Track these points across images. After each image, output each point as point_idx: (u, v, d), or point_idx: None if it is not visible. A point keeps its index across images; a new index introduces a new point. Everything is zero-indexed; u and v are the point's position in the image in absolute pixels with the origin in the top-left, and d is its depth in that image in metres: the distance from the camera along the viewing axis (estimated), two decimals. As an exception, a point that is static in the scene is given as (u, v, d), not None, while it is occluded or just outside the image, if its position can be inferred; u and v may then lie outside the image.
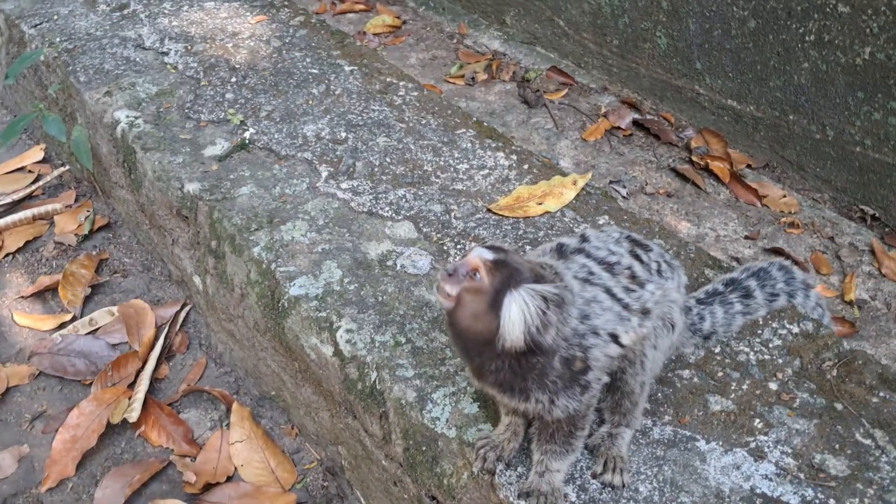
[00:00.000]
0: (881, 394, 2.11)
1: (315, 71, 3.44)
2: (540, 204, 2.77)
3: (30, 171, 3.83)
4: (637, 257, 1.94)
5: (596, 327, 1.82)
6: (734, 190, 3.96)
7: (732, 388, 2.13)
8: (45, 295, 3.28)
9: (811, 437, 2.01)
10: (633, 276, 1.90)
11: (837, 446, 1.99)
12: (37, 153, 3.90)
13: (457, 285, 1.74)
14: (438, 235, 2.66)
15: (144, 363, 2.98)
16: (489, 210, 2.76)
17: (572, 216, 2.74)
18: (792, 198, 3.84)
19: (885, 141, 3.46)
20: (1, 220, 3.51)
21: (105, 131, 3.22)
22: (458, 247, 2.62)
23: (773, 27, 3.67)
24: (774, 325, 2.31)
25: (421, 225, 2.70)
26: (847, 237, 3.64)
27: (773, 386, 2.14)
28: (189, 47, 3.57)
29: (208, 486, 2.66)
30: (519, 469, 1.97)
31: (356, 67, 3.48)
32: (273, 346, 2.65)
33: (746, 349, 2.25)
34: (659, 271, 1.96)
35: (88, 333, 3.11)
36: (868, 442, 1.99)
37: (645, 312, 1.88)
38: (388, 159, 2.97)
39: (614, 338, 1.83)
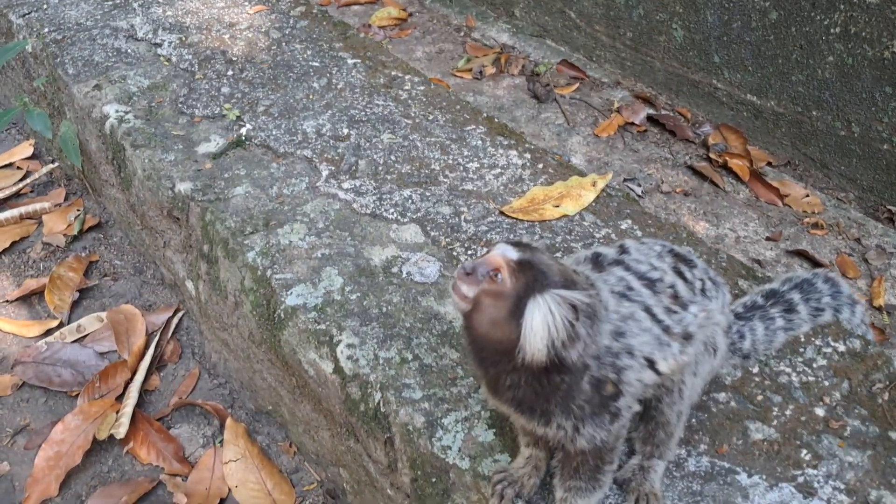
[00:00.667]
0: (941, 421, 1.86)
1: (316, 64, 3.18)
2: (557, 206, 2.52)
3: (18, 168, 3.58)
4: (681, 274, 1.68)
5: (632, 347, 1.56)
6: (754, 189, 3.73)
7: (774, 413, 1.88)
8: (31, 299, 3.04)
9: (865, 470, 1.76)
10: (675, 297, 1.64)
11: (894, 481, 1.74)
12: (26, 149, 3.65)
13: (475, 286, 1.49)
14: (447, 240, 2.41)
15: (134, 374, 2.73)
16: (502, 212, 2.51)
17: (592, 220, 2.48)
18: (815, 197, 3.61)
19: (914, 138, 3.23)
20: (-13, 220, 3.27)
21: (94, 127, 2.97)
22: (469, 252, 2.37)
23: (797, 19, 3.45)
24: (818, 342, 2.06)
25: (429, 228, 2.45)
26: (874, 238, 3.42)
27: (819, 412, 1.89)
28: (184, 38, 3.31)
29: (199, 509, 2.42)
30: (540, 508, 1.72)
31: (360, 60, 3.22)
32: (269, 359, 2.40)
33: (788, 369, 2.00)
34: (703, 290, 1.70)
35: (76, 341, 2.86)
36: (930, 477, 1.75)
37: (687, 337, 1.62)
38: (392, 157, 2.71)
39: (651, 363, 1.57)
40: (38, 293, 3.03)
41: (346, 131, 2.82)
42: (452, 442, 1.86)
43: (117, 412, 2.61)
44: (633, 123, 4.07)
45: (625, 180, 3.43)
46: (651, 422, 1.73)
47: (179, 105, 2.94)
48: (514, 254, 1.51)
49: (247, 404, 2.69)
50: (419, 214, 2.49)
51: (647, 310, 1.60)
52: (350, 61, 3.20)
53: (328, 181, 2.61)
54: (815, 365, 2.00)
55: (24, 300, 3.04)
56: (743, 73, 3.78)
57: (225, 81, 3.06)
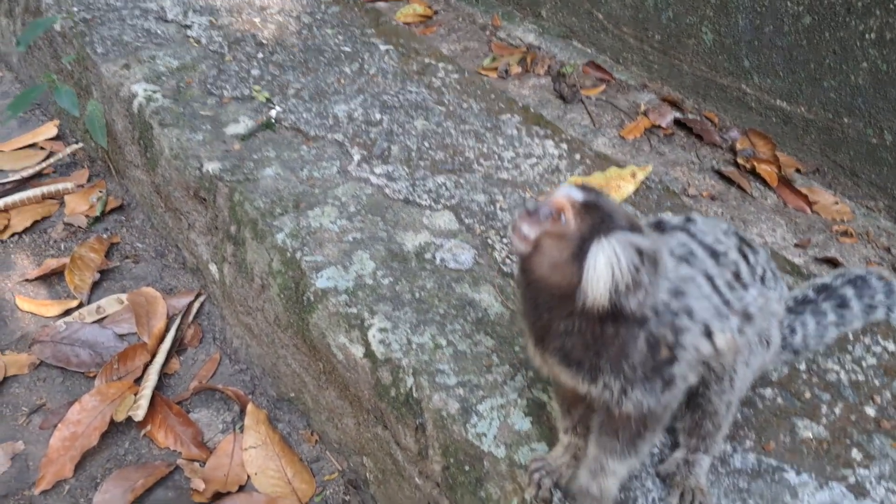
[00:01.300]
0: None
1: (347, 49, 3.12)
2: (594, 197, 2.45)
3: (41, 148, 3.52)
4: (744, 256, 1.61)
5: (691, 309, 1.48)
6: (782, 195, 3.67)
7: (823, 411, 1.81)
8: (51, 279, 2.97)
9: (918, 472, 1.69)
10: (737, 275, 1.57)
11: (949, 484, 1.67)
12: (50, 129, 3.59)
13: (537, 227, 1.42)
14: (482, 227, 2.34)
15: (153, 356, 2.67)
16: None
17: (632, 212, 2.41)
18: (844, 205, 3.55)
19: (948, 147, 3.17)
20: (8, 198, 3.21)
21: (121, 106, 2.92)
22: (504, 240, 2.30)
23: (830, 24, 3.39)
24: (867, 340, 1.99)
25: (463, 216, 2.38)
26: (904, 248, 3.35)
27: (870, 411, 1.82)
28: (214, 21, 3.27)
29: (218, 496, 2.35)
30: (581, 498, 1.65)
31: (391, 47, 3.16)
32: (295, 344, 2.34)
33: (836, 367, 1.93)
34: (763, 278, 1.63)
35: (95, 322, 2.80)
36: None
37: (747, 317, 1.55)
38: (426, 144, 2.65)
39: (708, 332, 1.50)
40: (59, 273, 2.97)
41: (378, 116, 2.76)
42: (488, 429, 1.79)
43: (135, 394, 2.55)
44: (659, 126, 4.01)
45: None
46: (698, 411, 1.65)
47: (208, 86, 2.89)
48: (579, 195, 1.44)
49: (268, 391, 2.62)
50: (453, 201, 2.43)
51: (709, 278, 1.53)
52: (382, 47, 3.15)
53: (360, 165, 2.55)
54: (864, 363, 1.93)
55: (43, 279, 2.98)
56: (773, 78, 3.72)
57: (255, 64, 3.01)
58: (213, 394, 2.64)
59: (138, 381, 2.62)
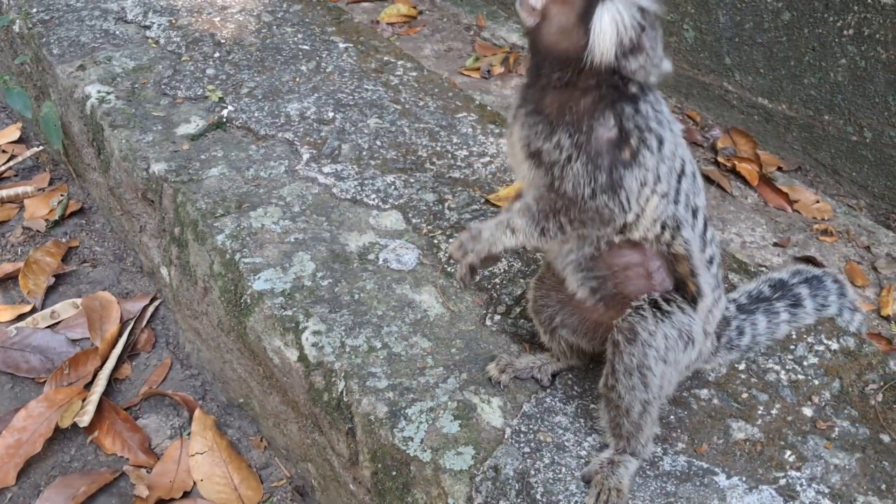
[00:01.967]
0: (939, 426, 1.76)
1: (306, 47, 3.12)
2: (544, 195, 2.43)
3: (3, 151, 3.54)
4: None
5: (663, 138, 1.61)
6: (763, 194, 3.64)
7: (759, 412, 1.79)
8: (5, 283, 2.98)
9: (852, 474, 1.66)
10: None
11: (884, 486, 1.64)
12: (13, 132, 3.61)
13: None
14: (429, 227, 2.33)
15: (104, 362, 2.67)
16: (487, 200, 2.43)
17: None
18: (825, 203, 3.52)
19: (929, 145, 3.14)
20: (-32, 203, 3.22)
21: (76, 107, 2.92)
22: (450, 240, 2.28)
23: (809, 20, 3.37)
24: (810, 339, 1.96)
25: (410, 215, 2.37)
26: (884, 247, 3.34)
27: (807, 412, 1.79)
28: (174, 21, 3.27)
29: (162, 502, 2.33)
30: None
31: (351, 45, 3.15)
32: (238, 348, 2.33)
33: (777, 367, 1.90)
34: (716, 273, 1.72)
35: (49, 327, 2.81)
36: (924, 484, 1.64)
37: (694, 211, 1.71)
38: (378, 143, 2.64)
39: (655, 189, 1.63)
40: (14, 277, 2.97)
41: (331, 115, 2.75)
42: (415, 433, 1.78)
43: (83, 400, 2.54)
44: (639, 125, 3.97)
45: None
46: (611, 407, 1.65)
47: (163, 87, 2.89)
48: None
49: (219, 396, 2.62)
50: (401, 201, 2.42)
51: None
52: (342, 45, 3.14)
53: (308, 165, 2.54)
54: (805, 363, 1.90)
55: (-1, 284, 2.99)
56: (754, 76, 3.70)
57: (211, 63, 3.01)
58: (163, 399, 2.64)
59: (88, 386, 2.62)
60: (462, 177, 2.52)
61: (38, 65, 3.15)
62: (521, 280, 2.16)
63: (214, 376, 2.62)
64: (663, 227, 1.66)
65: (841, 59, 3.33)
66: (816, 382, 1.85)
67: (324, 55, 3.07)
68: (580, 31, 1.49)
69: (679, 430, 1.76)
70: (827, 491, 1.62)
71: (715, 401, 1.82)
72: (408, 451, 1.76)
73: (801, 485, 1.63)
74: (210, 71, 2.96)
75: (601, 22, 1.47)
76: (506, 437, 1.75)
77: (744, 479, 1.65)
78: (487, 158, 2.61)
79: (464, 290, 2.12)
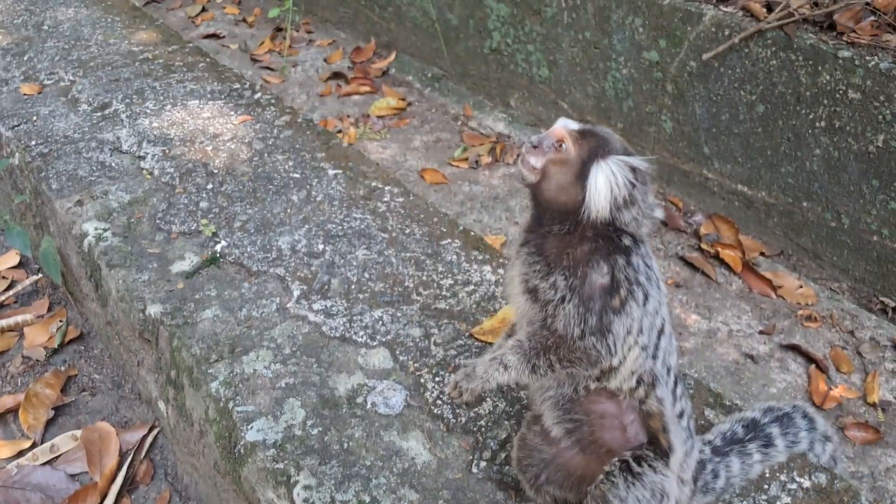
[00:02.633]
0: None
1: (297, 175, 3.18)
2: (527, 328, 2.47)
3: (3, 278, 3.59)
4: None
5: (649, 294, 1.70)
6: (747, 280, 3.68)
7: (739, 564, 1.80)
8: (6, 417, 3.01)
9: None
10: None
11: None
12: (12, 258, 3.67)
13: (542, 157, 1.67)
14: (416, 365, 2.36)
15: (103, 498, 2.68)
16: (471, 335, 2.46)
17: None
18: (809, 288, 3.56)
19: (902, 231, 3.18)
20: (-31, 333, 3.26)
21: (74, 243, 2.98)
22: (437, 379, 2.32)
23: (783, 112, 3.44)
24: (783, 478, 1.99)
25: (398, 352, 2.40)
26: (868, 331, 3.37)
27: (786, 562, 1.80)
28: (167, 151, 3.34)
29: None
30: None
31: (341, 171, 3.22)
32: (234, 491, 2.34)
33: (754, 512, 1.91)
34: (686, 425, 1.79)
35: (48, 462, 2.82)
36: None
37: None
38: (366, 275, 2.69)
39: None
40: (14, 411, 3.00)
41: (321, 247, 2.80)
42: None
43: (85, 540, 2.55)
44: (625, 214, 4.02)
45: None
46: None
47: (157, 221, 2.95)
48: (574, 125, 1.69)
49: (217, 531, 2.62)
50: (389, 337, 2.46)
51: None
52: (331, 172, 3.21)
53: (299, 302, 2.58)
54: (778, 503, 1.91)
55: None
56: (733, 164, 3.77)
57: (204, 195, 3.07)
58: (163, 535, 2.64)
59: (89, 524, 2.63)
60: (447, 307, 2.56)
61: (38, 198, 3.22)
62: (506, 422, 2.19)
63: (212, 511, 2.64)
64: (639, 382, 1.72)
65: (815, 150, 3.39)
66: (793, 529, 1.87)
67: (314, 183, 3.13)
68: (577, 189, 1.63)
69: (662, 588, 1.76)
70: None
71: (696, 554, 1.83)
72: None
73: None
74: (203, 204, 3.02)
75: (596, 181, 1.60)
76: None
77: None
78: (472, 287, 2.65)
79: (450, 433, 2.14)
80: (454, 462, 2.09)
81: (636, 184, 1.62)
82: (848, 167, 3.30)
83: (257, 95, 3.74)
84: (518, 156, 1.72)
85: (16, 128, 3.51)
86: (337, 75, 5.35)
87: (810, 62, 3.24)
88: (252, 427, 2.19)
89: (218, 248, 2.80)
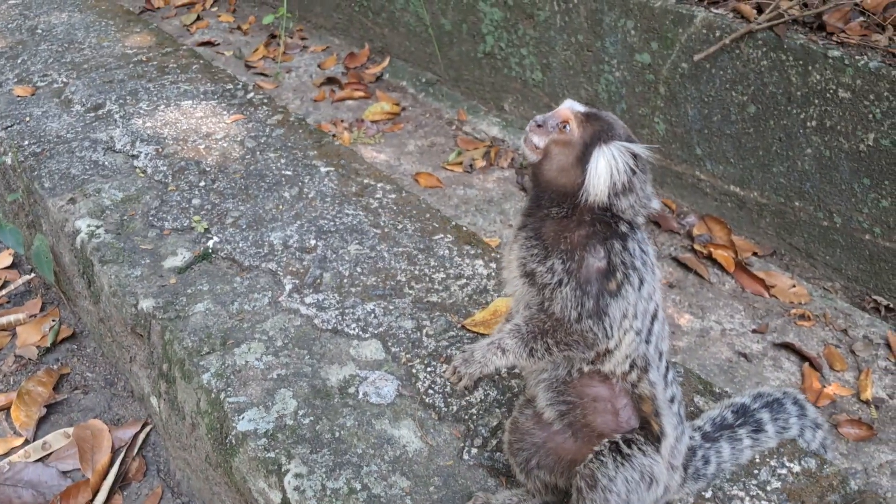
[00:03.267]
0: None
1: (289, 173, 3.21)
2: (518, 319, 2.49)
3: (-3, 279, 3.61)
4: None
5: (644, 279, 1.73)
6: (740, 280, 3.71)
7: (729, 546, 1.81)
8: (-2, 415, 3.02)
9: None
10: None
11: None
12: (5, 258, 3.69)
13: (545, 137, 1.68)
14: (408, 356, 2.38)
15: (95, 494, 2.69)
16: (463, 326, 2.49)
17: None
18: (801, 287, 3.59)
19: (894, 229, 3.22)
20: (-38, 333, 3.28)
21: (67, 241, 3.00)
22: (429, 369, 2.34)
23: (774, 112, 3.48)
24: (773, 463, 2.01)
25: (389, 344, 2.43)
26: (861, 329, 3.39)
27: (775, 544, 1.82)
28: (160, 149, 3.37)
29: None
30: None
31: (333, 168, 3.25)
32: (226, 483, 2.36)
33: (741, 493, 1.94)
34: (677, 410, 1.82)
35: (40, 459, 2.83)
36: None
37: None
38: (358, 269, 2.71)
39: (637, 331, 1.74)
40: (6, 409, 3.01)
41: (313, 242, 2.83)
42: (395, 581, 1.80)
43: (76, 536, 2.56)
44: (618, 215, 4.06)
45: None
46: None
47: (150, 218, 2.97)
48: (580, 107, 1.70)
49: (209, 526, 2.63)
50: (381, 329, 2.48)
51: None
52: (323, 169, 3.24)
53: (291, 295, 2.60)
54: (768, 488, 1.94)
55: (-8, 416, 3.02)
56: (725, 165, 3.80)
57: (196, 193, 3.10)
58: (155, 531, 2.65)
59: (81, 520, 2.64)
60: (440, 300, 2.58)
61: (30, 197, 3.24)
62: (497, 410, 2.21)
63: (204, 506, 2.65)
64: (632, 366, 1.74)
65: (807, 149, 3.43)
66: (782, 511, 1.89)
67: (306, 180, 3.16)
68: (578, 171, 1.65)
69: (652, 569, 1.78)
70: None
71: (686, 536, 1.85)
72: None
73: None
74: (196, 201, 3.05)
75: (597, 165, 1.62)
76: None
77: None
78: (464, 280, 2.67)
79: (441, 421, 2.16)
80: (445, 449, 2.11)
81: (636, 171, 1.64)
82: (839, 166, 3.34)
83: (250, 95, 3.78)
84: (523, 137, 1.73)
85: (8, 128, 3.54)
86: (331, 81, 5.39)
87: (801, 62, 3.28)
88: (243, 417, 2.21)
89: (210, 243, 2.83)
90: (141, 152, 3.36)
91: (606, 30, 3.98)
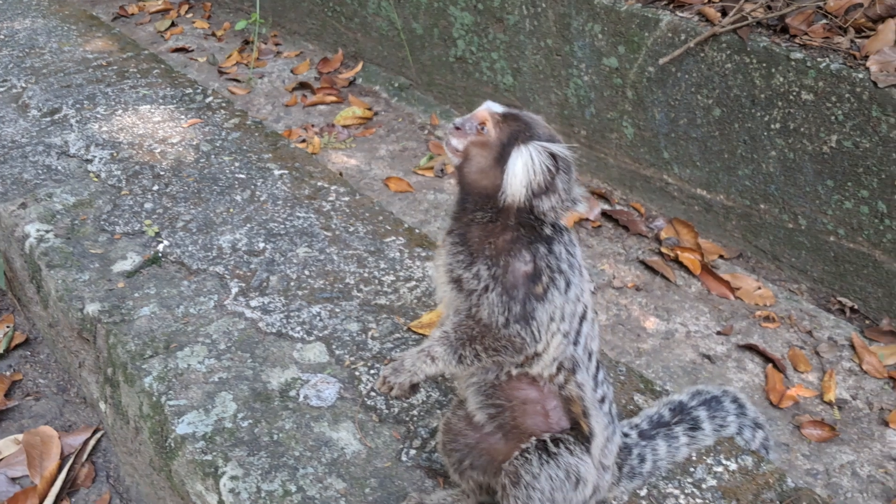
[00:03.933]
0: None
1: (242, 176, 3.24)
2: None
3: (-50, 285, 3.61)
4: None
5: (571, 281, 1.74)
6: (706, 282, 3.74)
7: (659, 545, 1.83)
8: (-52, 423, 3.02)
9: None
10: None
11: None
12: (-40, 266, 3.69)
13: (464, 139, 1.69)
14: (352, 359, 2.40)
15: (42, 501, 2.69)
16: (410, 328, 2.51)
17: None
18: (767, 289, 3.62)
19: (858, 230, 3.25)
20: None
21: (17, 245, 3.02)
22: (372, 371, 2.36)
23: (738, 115, 3.52)
24: (709, 460, 2.03)
25: (334, 347, 2.44)
26: (826, 331, 3.42)
27: (705, 542, 1.83)
28: (115, 154, 3.40)
29: None
30: None
31: (286, 171, 3.28)
32: (168, 487, 2.37)
33: (676, 491, 1.96)
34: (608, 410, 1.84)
35: (-12, 466, 2.84)
36: None
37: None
38: (306, 272, 2.73)
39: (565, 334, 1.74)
40: (-44, 416, 3.01)
41: (262, 245, 2.85)
42: (323, 583, 1.81)
43: (21, 543, 2.56)
44: (587, 219, 4.10)
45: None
46: None
47: (102, 222, 2.99)
48: (498, 108, 1.71)
49: (156, 532, 2.64)
50: (326, 332, 2.49)
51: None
52: (277, 172, 3.26)
53: (237, 299, 2.62)
54: (704, 486, 1.96)
55: (-58, 423, 3.02)
56: (692, 168, 3.83)
57: (149, 197, 3.12)
58: (100, 537, 2.66)
59: (27, 527, 2.64)
60: (388, 303, 2.60)
61: (-17, 202, 3.26)
62: (438, 411, 2.23)
63: (151, 512, 2.65)
64: (559, 369, 1.76)
65: (771, 152, 3.46)
66: (714, 510, 1.91)
67: (258, 183, 3.18)
68: (497, 172, 1.65)
69: (580, 569, 1.80)
70: None
71: (616, 535, 1.87)
72: None
73: None
74: (148, 205, 3.07)
75: (514, 165, 1.62)
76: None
77: None
78: (413, 283, 2.69)
79: (382, 423, 2.18)
80: (384, 451, 2.13)
81: (556, 171, 1.64)
82: (803, 168, 3.37)
83: (208, 99, 3.81)
84: (444, 141, 1.74)
85: (-36, 134, 3.57)
86: (303, 86, 5.42)
87: (764, 65, 3.32)
88: (183, 420, 2.22)
89: (160, 247, 2.85)
90: (95, 157, 3.38)
91: (575, 34, 4.01)
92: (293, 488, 2.02)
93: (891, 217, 3.12)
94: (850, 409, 3.03)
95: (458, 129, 1.71)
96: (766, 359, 3.23)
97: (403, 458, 2.11)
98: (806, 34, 3.41)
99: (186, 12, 6.74)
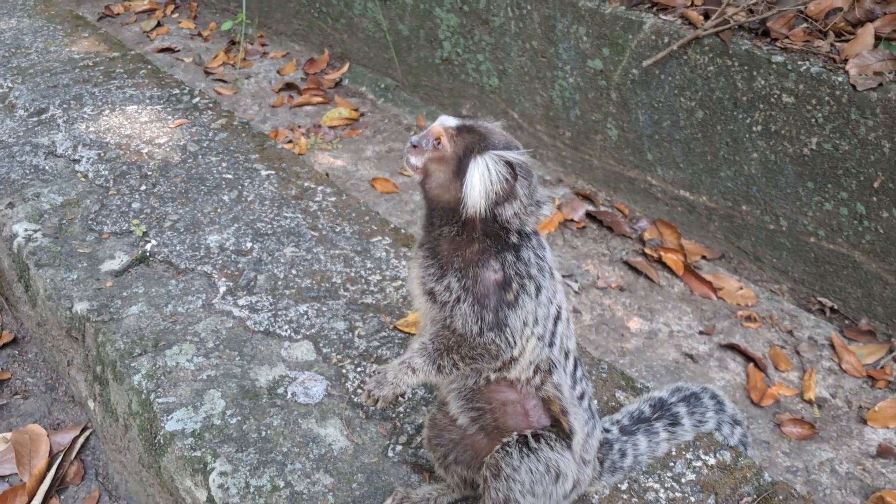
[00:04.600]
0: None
1: (229, 176, 3.29)
2: (449, 320, 2.57)
3: (-63, 285, 3.64)
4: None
5: (541, 285, 1.77)
6: (688, 283, 3.81)
7: (638, 537, 1.89)
8: (-65, 422, 3.05)
9: None
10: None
11: None
12: (-53, 265, 3.72)
13: (421, 156, 1.73)
14: (339, 357, 2.45)
15: (31, 499, 2.73)
16: (395, 327, 2.56)
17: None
18: (749, 290, 3.69)
19: (837, 231, 3.33)
20: None
21: (4, 245, 3.06)
22: (359, 369, 2.41)
23: (721, 117, 3.59)
24: (689, 455, 2.09)
25: (321, 345, 2.50)
26: (806, 331, 3.49)
27: (684, 534, 1.90)
28: (102, 154, 3.44)
29: None
30: None
31: (273, 171, 3.33)
32: (158, 483, 2.41)
33: (656, 485, 2.02)
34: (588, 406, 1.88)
35: (-24, 465, 2.87)
36: None
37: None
38: (293, 271, 2.78)
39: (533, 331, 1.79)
40: (-57, 415, 3.04)
41: (249, 245, 2.90)
42: (311, 575, 1.86)
43: (9, 540, 2.60)
44: (572, 220, 4.16)
45: (562, 276, 3.50)
46: None
47: (90, 222, 3.03)
48: (452, 122, 1.73)
49: (144, 529, 2.68)
50: (313, 331, 2.55)
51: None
52: (264, 172, 3.31)
53: (224, 298, 2.67)
54: (683, 480, 2.02)
55: (-70, 423, 3.05)
56: (675, 170, 3.89)
57: (137, 196, 3.16)
58: (89, 534, 2.70)
59: (15, 524, 2.67)
60: (374, 302, 2.66)
61: (-30, 202, 3.29)
62: (424, 408, 2.28)
63: (139, 509, 2.70)
64: (536, 371, 1.82)
65: (753, 154, 3.53)
66: (693, 500, 1.98)
67: (246, 183, 3.23)
68: (457, 186, 1.68)
69: (562, 560, 1.86)
70: None
71: (596, 527, 1.93)
72: None
73: None
74: (136, 205, 3.11)
75: (472, 177, 1.65)
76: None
77: None
78: (399, 282, 2.75)
79: (369, 419, 2.23)
80: (371, 447, 2.18)
81: (515, 178, 1.67)
82: (784, 170, 3.44)
83: (195, 100, 3.86)
84: (404, 158, 1.79)
85: (-49, 134, 3.59)
86: (290, 86, 5.46)
87: (746, 67, 3.39)
88: (172, 417, 2.27)
89: (148, 247, 2.89)
90: (83, 157, 3.42)
91: (559, 36, 4.07)
92: (281, 483, 2.08)
93: (869, 218, 3.20)
94: (830, 408, 3.10)
95: (415, 146, 1.74)
96: (748, 358, 3.30)
97: (390, 453, 2.16)
98: (787, 38, 3.48)
99: (172, 12, 6.77)
